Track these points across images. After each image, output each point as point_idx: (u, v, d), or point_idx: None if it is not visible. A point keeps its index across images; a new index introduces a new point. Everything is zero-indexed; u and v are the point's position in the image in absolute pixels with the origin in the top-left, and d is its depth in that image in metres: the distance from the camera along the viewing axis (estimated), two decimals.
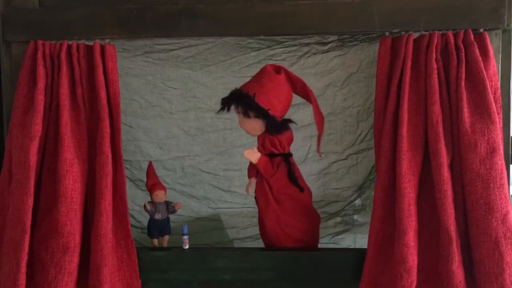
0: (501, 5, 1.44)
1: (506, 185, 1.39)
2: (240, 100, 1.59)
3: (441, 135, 1.39)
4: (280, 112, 1.59)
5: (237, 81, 1.68)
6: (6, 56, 1.57)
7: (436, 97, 1.40)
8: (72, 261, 1.42)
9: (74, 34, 1.51)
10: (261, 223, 1.65)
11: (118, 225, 1.51)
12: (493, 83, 1.42)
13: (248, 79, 1.66)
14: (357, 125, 1.93)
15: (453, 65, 1.41)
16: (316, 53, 1.91)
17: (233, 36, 1.78)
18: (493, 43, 1.45)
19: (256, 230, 1.78)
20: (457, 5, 1.45)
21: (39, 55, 1.47)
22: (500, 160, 1.38)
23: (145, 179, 1.75)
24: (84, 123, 1.50)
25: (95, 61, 1.47)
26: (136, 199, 1.93)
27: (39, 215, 1.47)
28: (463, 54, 1.41)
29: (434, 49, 1.42)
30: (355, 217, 1.96)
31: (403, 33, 1.46)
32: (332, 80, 1.91)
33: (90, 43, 1.50)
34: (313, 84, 1.82)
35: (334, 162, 1.96)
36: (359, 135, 1.93)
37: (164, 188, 1.69)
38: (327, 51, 1.90)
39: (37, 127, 1.43)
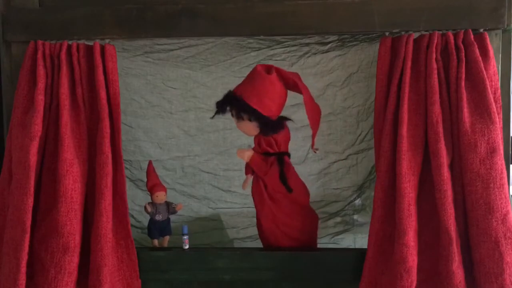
0: (501, 5, 1.44)
1: (506, 185, 1.39)
2: (233, 103, 1.60)
3: (441, 135, 1.39)
4: (274, 111, 1.59)
5: (237, 81, 1.68)
6: (6, 56, 1.57)
7: (436, 97, 1.40)
8: (72, 261, 1.42)
9: (74, 34, 1.51)
10: (258, 221, 1.66)
11: (118, 225, 1.51)
12: (493, 83, 1.42)
13: None
14: (357, 125, 1.93)
15: (453, 65, 1.41)
16: (316, 53, 1.91)
17: (233, 36, 1.78)
18: (493, 43, 1.45)
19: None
20: (457, 5, 1.45)
21: (39, 55, 1.47)
22: (500, 160, 1.38)
23: (145, 179, 1.75)
24: (84, 123, 1.50)
25: (95, 61, 1.47)
26: (136, 199, 1.93)
27: (39, 215, 1.47)
28: (463, 54, 1.41)
29: (434, 49, 1.42)
30: (355, 217, 1.96)
31: (403, 33, 1.46)
32: (332, 80, 1.91)
33: (90, 43, 1.50)
34: (313, 84, 1.82)
35: (334, 162, 1.96)
36: (359, 135, 1.93)
37: (164, 189, 1.69)
38: (327, 51, 1.90)
39: (37, 127, 1.43)
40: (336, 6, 1.48)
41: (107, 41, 1.52)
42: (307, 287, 1.57)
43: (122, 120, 1.60)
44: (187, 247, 1.59)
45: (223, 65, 1.93)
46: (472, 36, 1.42)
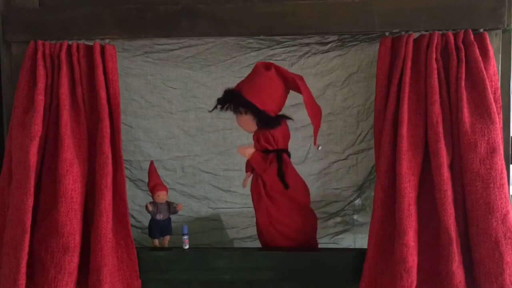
0: (501, 5, 1.44)
1: (506, 185, 1.39)
2: (231, 98, 1.62)
3: (441, 135, 1.39)
4: (271, 107, 1.60)
5: (237, 81, 1.68)
6: (6, 56, 1.57)
7: (436, 97, 1.40)
8: (72, 261, 1.42)
9: (74, 34, 1.51)
10: (256, 220, 1.66)
11: (118, 225, 1.51)
12: (493, 83, 1.42)
13: None
14: (357, 125, 1.93)
15: (453, 65, 1.41)
16: (316, 53, 1.91)
17: (233, 36, 1.78)
18: (493, 43, 1.45)
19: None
20: (457, 5, 1.45)
21: (39, 55, 1.47)
22: (500, 160, 1.38)
23: (145, 179, 1.75)
24: (84, 123, 1.50)
25: (95, 61, 1.47)
26: (136, 199, 1.93)
27: (39, 215, 1.47)
28: (463, 54, 1.41)
29: (434, 49, 1.42)
30: (355, 217, 1.96)
31: (403, 33, 1.46)
32: (332, 80, 1.91)
33: (90, 43, 1.50)
34: (313, 84, 1.82)
35: (334, 162, 1.96)
36: (359, 135, 1.93)
37: (165, 189, 1.69)
38: (327, 51, 1.90)
39: (37, 127, 1.43)
40: (336, 6, 1.48)
41: (107, 41, 1.52)
42: (307, 287, 1.57)
43: (122, 120, 1.60)
44: (187, 247, 1.59)
45: (223, 65, 1.93)
46: (472, 36, 1.42)
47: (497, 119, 1.40)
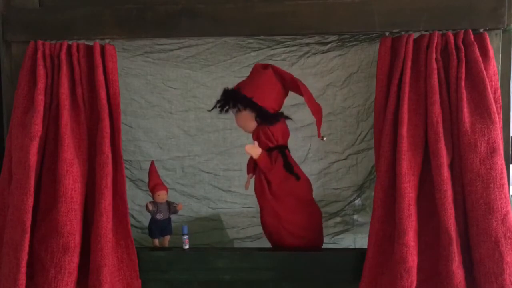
0: (501, 5, 1.44)
1: (506, 185, 1.39)
2: (231, 96, 1.64)
3: (441, 135, 1.39)
4: (270, 103, 1.61)
5: (237, 81, 1.68)
6: (6, 56, 1.57)
7: (436, 97, 1.40)
8: (72, 261, 1.42)
9: (74, 34, 1.51)
10: (262, 220, 1.66)
11: (118, 225, 1.51)
12: (493, 83, 1.42)
13: None
14: (357, 125, 1.93)
15: (453, 65, 1.41)
16: (316, 53, 1.91)
17: (233, 36, 1.78)
18: (493, 43, 1.45)
19: (256, 230, 1.78)
20: (457, 5, 1.45)
21: (39, 55, 1.47)
22: (500, 160, 1.38)
23: (145, 179, 1.75)
24: (84, 123, 1.50)
25: (95, 61, 1.47)
26: (136, 199, 1.93)
27: (39, 215, 1.47)
28: (463, 54, 1.41)
29: (434, 49, 1.42)
30: (355, 217, 1.96)
31: (403, 33, 1.46)
32: (332, 80, 1.91)
33: (90, 43, 1.50)
34: (313, 84, 1.82)
35: (334, 162, 1.96)
36: (359, 135, 1.93)
37: (166, 189, 1.69)
38: (327, 51, 1.90)
39: (37, 127, 1.43)
40: (336, 6, 1.48)
41: (107, 41, 1.52)
42: (307, 287, 1.57)
43: (122, 120, 1.60)
44: (187, 247, 1.59)
45: (223, 65, 1.93)
46: (472, 36, 1.42)
47: (497, 119, 1.40)
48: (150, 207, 1.67)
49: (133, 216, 1.91)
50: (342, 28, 1.50)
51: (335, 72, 1.91)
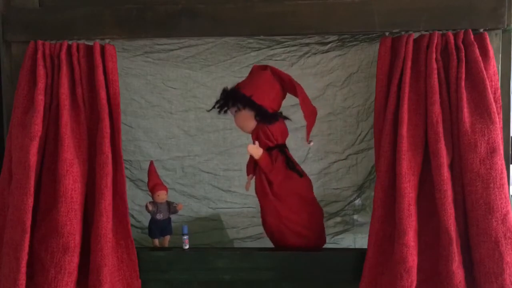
0: (501, 5, 1.44)
1: (506, 185, 1.39)
2: (230, 95, 1.64)
3: (441, 135, 1.39)
4: (269, 103, 1.61)
5: (237, 81, 1.68)
6: (6, 56, 1.57)
7: (436, 97, 1.40)
8: (72, 261, 1.42)
9: (74, 34, 1.51)
10: (263, 220, 1.66)
11: (118, 225, 1.51)
12: (493, 83, 1.42)
13: None
14: (357, 125, 1.93)
15: (453, 65, 1.41)
16: (316, 53, 1.91)
17: (233, 36, 1.78)
18: (493, 43, 1.45)
19: (256, 230, 1.78)
20: (457, 5, 1.45)
21: (39, 55, 1.47)
22: (500, 160, 1.38)
23: (145, 179, 1.75)
24: (84, 123, 1.50)
25: (95, 61, 1.47)
26: (136, 199, 1.93)
27: (39, 215, 1.47)
28: (463, 54, 1.41)
29: (434, 49, 1.42)
30: (355, 217, 1.96)
31: (403, 33, 1.46)
32: (332, 80, 1.91)
33: (90, 43, 1.50)
34: (313, 84, 1.82)
35: (334, 162, 1.96)
36: (359, 135, 1.93)
37: (165, 189, 1.69)
38: (327, 51, 1.90)
39: (37, 127, 1.43)
40: (336, 6, 1.48)
41: (107, 41, 1.52)
42: (307, 287, 1.57)
43: (122, 120, 1.60)
44: (187, 247, 1.59)
45: (223, 65, 1.93)
46: (472, 36, 1.42)
47: (497, 119, 1.40)
48: (150, 208, 1.67)
49: (133, 216, 1.91)
50: (342, 28, 1.50)
51: (335, 72, 1.91)
